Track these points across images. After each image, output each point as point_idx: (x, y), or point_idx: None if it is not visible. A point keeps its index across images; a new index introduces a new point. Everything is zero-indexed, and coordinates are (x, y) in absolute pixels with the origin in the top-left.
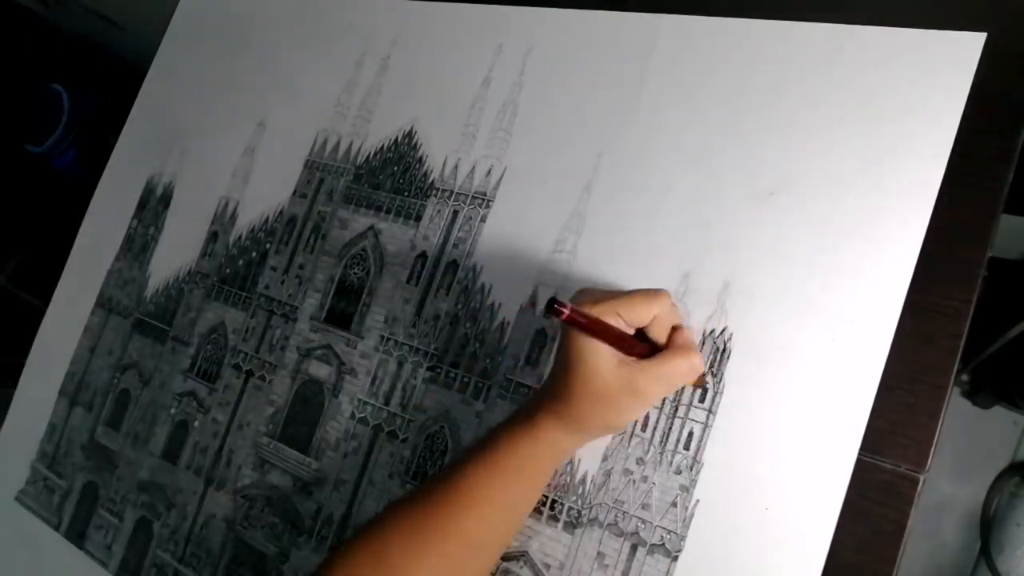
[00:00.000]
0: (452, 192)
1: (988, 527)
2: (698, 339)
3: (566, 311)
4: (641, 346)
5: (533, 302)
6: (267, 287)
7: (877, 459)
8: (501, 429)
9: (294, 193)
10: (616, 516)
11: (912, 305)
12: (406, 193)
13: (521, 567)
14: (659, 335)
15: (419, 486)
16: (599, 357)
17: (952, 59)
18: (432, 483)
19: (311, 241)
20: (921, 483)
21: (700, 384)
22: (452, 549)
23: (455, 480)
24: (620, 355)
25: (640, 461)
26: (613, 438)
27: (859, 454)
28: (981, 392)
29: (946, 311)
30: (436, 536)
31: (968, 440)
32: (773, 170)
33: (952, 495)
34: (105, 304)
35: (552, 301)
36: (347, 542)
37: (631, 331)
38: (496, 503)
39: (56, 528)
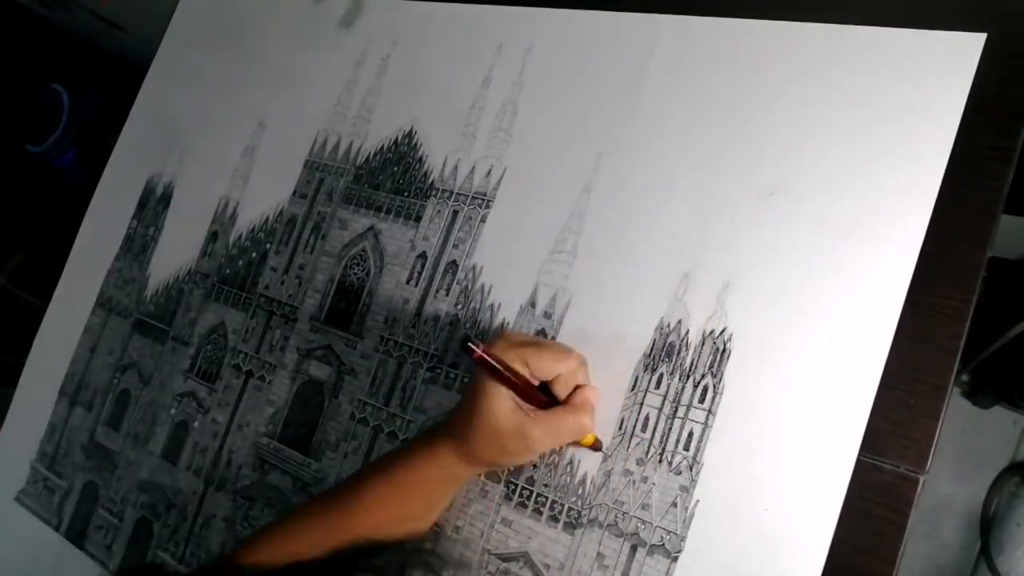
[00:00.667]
0: (452, 192)
1: (988, 527)
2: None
3: (477, 351)
4: (542, 398)
5: (533, 302)
6: (267, 287)
7: (877, 459)
8: (403, 448)
9: (294, 193)
10: (616, 516)
11: (912, 305)
12: (406, 193)
13: (521, 567)
14: (560, 392)
15: (323, 492)
16: (498, 398)
17: (952, 60)
18: (335, 491)
19: (311, 241)
20: (921, 483)
21: (596, 448)
22: (345, 550)
23: (355, 489)
24: (518, 401)
25: (640, 461)
26: (612, 438)
27: (859, 454)
28: (981, 392)
29: (946, 311)
30: (332, 537)
31: (968, 440)
32: (773, 170)
33: (952, 495)
34: (105, 304)
35: (466, 339)
36: (255, 533)
37: (536, 383)
38: (390, 515)
39: (56, 528)
